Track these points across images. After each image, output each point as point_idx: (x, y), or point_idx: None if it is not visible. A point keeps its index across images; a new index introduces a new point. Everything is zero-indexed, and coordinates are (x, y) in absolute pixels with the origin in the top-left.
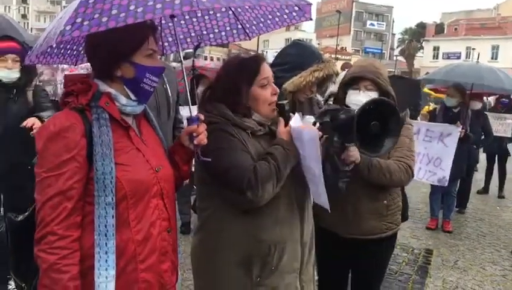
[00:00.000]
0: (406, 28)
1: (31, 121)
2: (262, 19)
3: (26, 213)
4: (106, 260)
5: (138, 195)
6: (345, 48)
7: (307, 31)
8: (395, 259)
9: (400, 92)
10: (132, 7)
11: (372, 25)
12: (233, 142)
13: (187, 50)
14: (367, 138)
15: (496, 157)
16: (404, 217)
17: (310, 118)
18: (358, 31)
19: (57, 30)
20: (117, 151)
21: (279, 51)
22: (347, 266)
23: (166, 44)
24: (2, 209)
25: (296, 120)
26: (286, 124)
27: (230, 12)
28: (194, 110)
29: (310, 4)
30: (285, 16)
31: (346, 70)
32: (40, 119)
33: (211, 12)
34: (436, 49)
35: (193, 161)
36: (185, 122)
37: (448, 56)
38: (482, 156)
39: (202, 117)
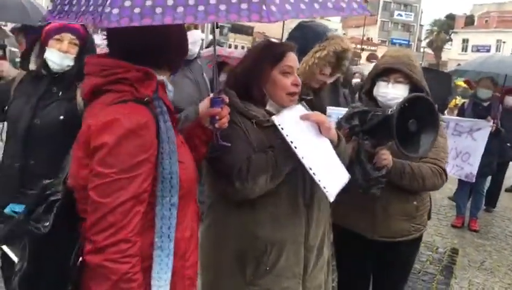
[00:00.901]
0: (435, 19)
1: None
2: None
3: (51, 219)
4: (167, 263)
5: (190, 193)
6: (371, 38)
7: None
8: (418, 257)
9: (430, 85)
10: (191, 1)
11: (400, 15)
12: (235, 130)
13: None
14: (404, 137)
15: None
16: (428, 217)
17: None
18: (385, 22)
19: (96, 7)
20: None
21: None
22: (370, 267)
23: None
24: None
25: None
26: None
27: None
28: None
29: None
30: (344, 5)
31: (373, 61)
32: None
33: None
34: (465, 41)
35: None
36: None
37: (477, 49)
38: None
39: (227, 99)
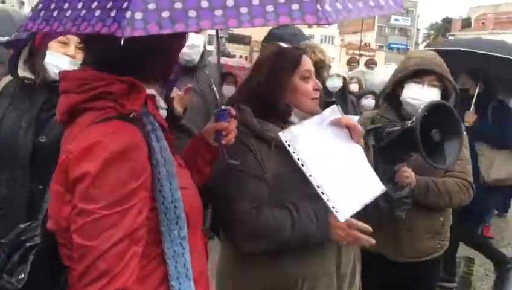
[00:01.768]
0: (432, 23)
1: None
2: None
3: (26, 271)
4: None
5: (196, 225)
6: (369, 44)
7: (329, 27)
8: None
9: None
10: (230, 2)
11: (397, 20)
12: (248, 161)
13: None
14: (428, 148)
15: None
16: None
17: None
18: (382, 27)
19: (107, 12)
20: None
21: None
22: (392, 287)
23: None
24: None
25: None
26: None
27: None
28: None
29: None
30: (383, 2)
31: (372, 66)
32: None
33: None
34: None
35: None
36: None
37: None
38: None
39: (233, 112)
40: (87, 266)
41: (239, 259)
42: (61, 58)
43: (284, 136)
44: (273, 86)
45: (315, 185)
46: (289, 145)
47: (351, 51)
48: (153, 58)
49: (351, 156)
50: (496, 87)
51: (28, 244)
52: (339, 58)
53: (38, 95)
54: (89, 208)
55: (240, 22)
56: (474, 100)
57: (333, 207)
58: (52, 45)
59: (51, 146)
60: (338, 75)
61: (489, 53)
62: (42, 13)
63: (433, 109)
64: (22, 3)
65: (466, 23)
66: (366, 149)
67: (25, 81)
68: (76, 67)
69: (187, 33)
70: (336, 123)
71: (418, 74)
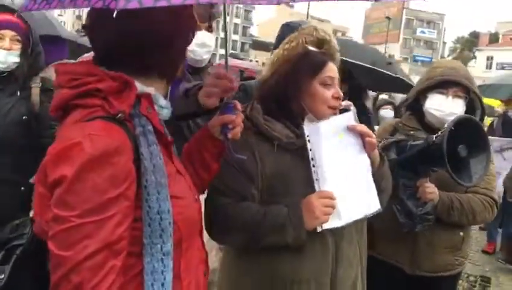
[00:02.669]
0: (458, 37)
1: None
2: None
3: (7, 271)
4: None
5: (191, 237)
6: (393, 55)
7: (354, 37)
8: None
9: None
10: None
11: (423, 32)
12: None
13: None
14: (454, 165)
15: None
16: None
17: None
18: (407, 39)
19: None
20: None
21: None
22: None
23: None
24: None
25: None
26: None
27: None
28: None
29: None
30: None
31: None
32: None
33: None
34: (489, 58)
35: None
36: None
37: (502, 66)
38: None
39: (239, 106)
40: (60, 277)
41: (232, 263)
42: None
43: (308, 129)
44: (289, 87)
45: (317, 188)
46: (309, 141)
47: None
48: (149, 48)
49: (359, 167)
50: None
51: (14, 243)
52: None
53: None
54: (63, 215)
55: None
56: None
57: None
58: None
59: (3, 133)
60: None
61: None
62: None
63: (460, 123)
64: None
65: (494, 38)
66: (381, 162)
67: None
68: (14, 58)
69: (193, 30)
70: (352, 129)
71: (443, 85)
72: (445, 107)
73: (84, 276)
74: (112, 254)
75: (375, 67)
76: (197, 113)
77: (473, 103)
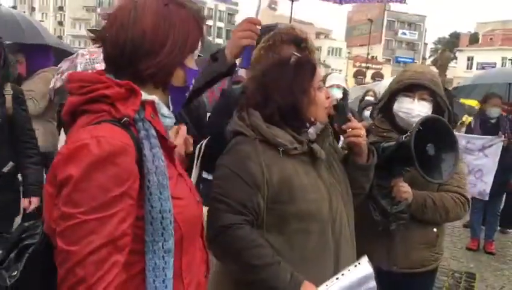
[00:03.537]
0: (439, 38)
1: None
2: None
3: (19, 269)
4: None
5: (191, 236)
6: (376, 56)
7: (337, 40)
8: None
9: None
10: None
11: (404, 34)
12: (247, 168)
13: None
14: (423, 163)
15: None
16: None
17: None
18: (389, 40)
19: None
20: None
21: None
22: None
23: None
24: None
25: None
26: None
27: None
28: None
29: None
30: None
31: (378, 79)
32: None
33: None
34: (470, 59)
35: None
36: None
37: (482, 66)
38: None
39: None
40: (66, 270)
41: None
42: None
43: None
44: (296, 99)
45: None
46: None
47: (358, 64)
48: (138, 57)
49: None
50: None
51: (26, 242)
52: (345, 71)
53: None
54: (70, 212)
55: None
56: None
57: None
58: None
59: None
60: (338, 86)
61: None
62: None
63: (427, 123)
64: (33, 9)
65: (474, 39)
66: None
67: None
68: None
69: (194, 36)
70: None
71: (410, 88)
72: (412, 110)
73: (89, 270)
74: (115, 249)
75: None
76: (224, 73)
77: (440, 106)
